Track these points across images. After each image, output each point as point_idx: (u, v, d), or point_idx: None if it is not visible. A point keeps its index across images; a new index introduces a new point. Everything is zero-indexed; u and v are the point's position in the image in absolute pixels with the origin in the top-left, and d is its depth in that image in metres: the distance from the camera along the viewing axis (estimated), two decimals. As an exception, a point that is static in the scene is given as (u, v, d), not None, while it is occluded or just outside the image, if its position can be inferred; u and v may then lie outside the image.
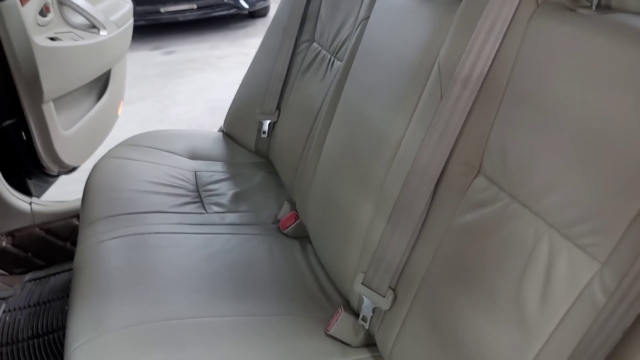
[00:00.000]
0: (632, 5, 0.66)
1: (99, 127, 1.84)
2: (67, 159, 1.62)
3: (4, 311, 1.33)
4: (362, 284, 0.90)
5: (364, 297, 0.90)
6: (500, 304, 0.67)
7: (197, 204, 1.30)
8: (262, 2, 5.33)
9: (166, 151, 1.49)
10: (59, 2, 1.58)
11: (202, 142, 1.58)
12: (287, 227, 1.23)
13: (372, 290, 0.89)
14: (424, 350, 0.78)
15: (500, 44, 0.73)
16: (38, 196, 1.64)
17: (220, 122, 1.71)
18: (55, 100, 1.53)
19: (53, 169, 1.61)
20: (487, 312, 0.68)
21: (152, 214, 1.21)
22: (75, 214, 1.58)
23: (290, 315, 0.98)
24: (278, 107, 1.49)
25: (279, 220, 1.27)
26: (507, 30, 0.72)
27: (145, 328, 0.88)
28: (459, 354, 0.71)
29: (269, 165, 1.53)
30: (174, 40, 4.85)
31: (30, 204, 1.56)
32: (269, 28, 1.56)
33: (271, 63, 1.49)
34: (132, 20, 1.93)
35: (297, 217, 1.23)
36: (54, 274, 1.48)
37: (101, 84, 1.82)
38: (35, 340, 1.26)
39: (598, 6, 0.67)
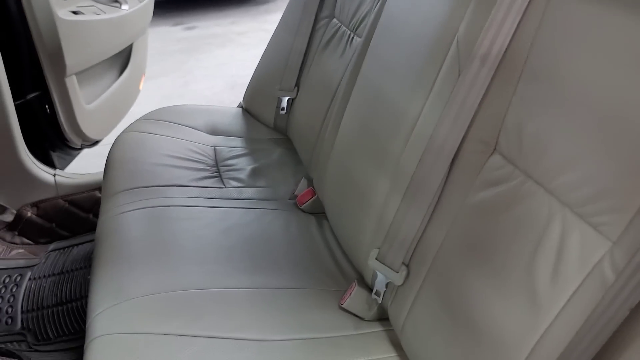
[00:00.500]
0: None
1: (120, 102, 1.86)
2: (89, 132, 1.65)
3: (30, 279, 1.37)
4: (376, 259, 0.91)
5: (378, 272, 0.92)
6: (511, 280, 0.68)
7: (216, 179, 1.32)
8: (283, -22, 5.29)
9: (186, 126, 1.50)
10: (82, -25, 1.60)
11: (222, 118, 1.60)
12: (304, 203, 1.24)
13: (385, 265, 0.90)
14: (435, 324, 0.79)
15: (520, 20, 0.72)
16: (62, 168, 1.68)
17: (240, 98, 1.72)
18: (78, 74, 1.55)
19: (76, 142, 1.64)
20: (498, 288, 0.69)
21: (171, 187, 1.23)
22: (98, 187, 1.62)
23: (304, 288, 1.00)
24: (297, 84, 1.49)
25: (296, 196, 1.28)
26: (527, 6, 0.71)
27: (164, 297, 0.91)
28: (469, 328, 0.72)
29: (288, 142, 1.54)
30: (196, 16, 4.84)
31: (54, 175, 1.60)
32: (288, 4, 1.55)
33: (291, 39, 1.49)
34: (153, -6, 1.94)
35: (314, 194, 1.25)
36: (77, 244, 1.52)
37: (123, 59, 1.84)
38: (60, 308, 1.31)
39: (621, -18, 0.66)
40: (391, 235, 0.89)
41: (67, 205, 1.60)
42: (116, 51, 1.72)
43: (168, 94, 3.24)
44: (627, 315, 0.53)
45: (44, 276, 1.39)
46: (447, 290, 0.78)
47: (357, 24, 1.27)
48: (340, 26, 1.36)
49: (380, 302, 0.93)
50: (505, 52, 0.74)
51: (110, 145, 1.42)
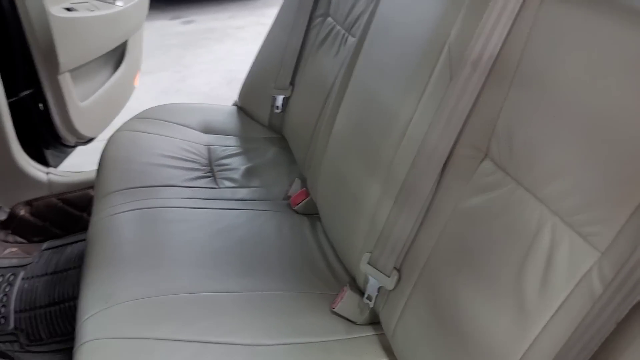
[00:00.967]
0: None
1: (115, 98, 1.85)
2: (83, 129, 1.64)
3: (23, 278, 1.37)
4: (368, 263, 0.91)
5: (370, 277, 0.91)
6: (500, 288, 0.67)
7: (210, 179, 1.31)
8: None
9: (180, 124, 1.49)
10: (75, -28, 1.58)
11: (216, 116, 1.59)
12: (298, 204, 1.24)
13: (377, 270, 0.89)
14: (425, 330, 0.79)
15: (512, 26, 0.71)
16: (55, 166, 1.67)
17: (237, 94, 1.70)
18: (71, 72, 1.54)
19: (70, 139, 1.63)
20: (487, 295, 0.69)
21: (164, 187, 1.23)
22: (91, 185, 1.61)
23: (296, 291, 1.00)
24: (292, 82, 1.48)
25: (289, 197, 1.28)
26: (518, 12, 0.70)
27: (154, 301, 0.90)
28: (458, 336, 0.72)
29: (282, 141, 1.53)
30: (193, 10, 4.81)
31: (48, 174, 1.59)
32: (284, 1, 1.54)
33: (285, 37, 1.48)
34: (148, -10, 1.92)
35: (307, 194, 1.24)
36: (70, 243, 1.51)
37: (118, 55, 1.83)
38: (52, 308, 1.30)
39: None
40: (383, 240, 0.88)
41: (60, 203, 1.59)
42: (111, 48, 1.71)
43: (165, 89, 3.22)
44: (614, 328, 0.52)
45: (37, 276, 1.39)
46: (437, 296, 0.77)
47: (352, 23, 1.26)
48: (334, 25, 1.35)
49: (372, 306, 0.93)
50: (496, 57, 0.73)
51: (106, 141, 1.41)
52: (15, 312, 1.28)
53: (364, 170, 0.98)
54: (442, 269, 0.78)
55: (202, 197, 1.23)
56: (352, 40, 1.24)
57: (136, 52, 1.94)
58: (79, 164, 1.78)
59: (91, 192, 1.61)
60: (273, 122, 1.55)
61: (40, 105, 1.52)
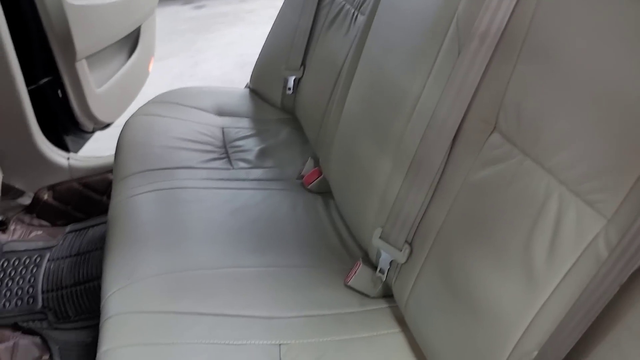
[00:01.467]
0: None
1: (130, 84, 1.88)
2: (100, 115, 1.67)
3: (49, 260, 1.42)
4: (379, 238, 0.93)
5: (382, 251, 0.93)
6: (509, 258, 0.69)
7: (224, 160, 1.34)
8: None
9: (194, 108, 1.52)
10: (87, -41, 1.60)
11: (229, 99, 1.61)
12: (311, 183, 1.26)
13: (389, 244, 0.91)
14: (437, 301, 0.81)
15: (518, -2, 0.71)
16: (75, 152, 1.71)
17: (249, 77, 1.72)
18: (88, 58, 1.57)
19: (88, 125, 1.67)
20: (497, 265, 0.70)
21: (180, 169, 1.26)
22: (111, 169, 1.65)
23: (310, 266, 1.02)
24: (303, 63, 1.49)
25: (302, 176, 1.30)
26: (524, -16, 0.71)
27: (174, 277, 0.94)
28: (469, 305, 0.74)
29: (295, 122, 1.55)
30: (204, -6, 4.81)
31: (68, 159, 1.63)
32: (293, -19, 1.54)
33: (296, 18, 1.48)
34: (159, -25, 1.94)
35: (320, 173, 1.26)
36: (92, 226, 1.56)
37: (131, 42, 1.85)
38: (78, 287, 1.35)
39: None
40: (394, 214, 0.90)
41: (81, 187, 1.64)
42: (124, 34, 1.73)
43: (179, 74, 3.25)
44: (617, 293, 0.54)
45: (62, 257, 1.44)
46: (448, 268, 0.79)
47: (361, 1, 1.27)
48: (344, 4, 1.36)
49: (384, 279, 0.95)
50: (504, 30, 0.73)
51: (123, 125, 1.45)
52: (43, 292, 1.33)
53: (375, 146, 1.00)
54: (453, 241, 0.80)
55: (218, 178, 1.25)
56: (361, 18, 1.24)
57: (149, 37, 1.96)
58: (97, 149, 1.82)
59: (110, 176, 1.64)
60: (285, 103, 1.57)
61: (59, 92, 1.56)
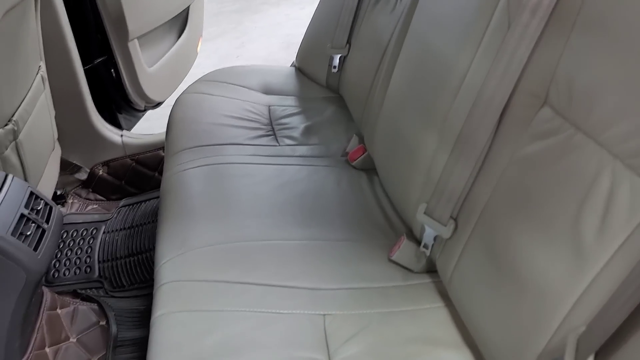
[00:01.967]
0: None
1: (180, 64, 1.93)
2: (151, 94, 1.73)
3: (104, 232, 1.49)
4: (424, 213, 0.93)
5: (426, 226, 0.94)
6: (557, 233, 0.68)
7: (270, 137, 1.37)
8: None
9: (242, 86, 1.55)
10: (139, -59, 1.64)
11: (276, 78, 1.63)
12: (355, 160, 1.27)
13: (434, 219, 0.91)
14: (482, 275, 0.81)
15: (573, -33, 0.69)
16: (128, 129, 1.78)
17: (294, 57, 1.74)
18: (139, 39, 1.62)
19: (140, 103, 1.73)
20: (544, 240, 0.70)
21: (228, 145, 1.29)
22: (162, 146, 1.71)
23: (355, 240, 1.04)
24: (348, 41, 1.49)
25: (347, 153, 1.31)
26: (580, -48, 0.68)
27: (222, 248, 0.97)
28: (514, 279, 0.74)
29: (340, 100, 1.56)
30: (250, -25, 4.83)
31: (122, 136, 1.70)
32: (339, -41, 1.53)
33: (342, -4, 1.48)
34: (207, -44, 1.96)
35: (364, 150, 1.27)
36: (144, 200, 1.63)
37: (180, 22, 1.90)
38: (131, 258, 1.42)
39: None
40: (439, 190, 0.90)
41: (134, 164, 1.71)
42: (174, 14, 1.78)
43: (225, 55, 3.30)
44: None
45: (116, 230, 1.51)
46: (493, 243, 0.79)
47: (409, -23, 1.25)
48: (391, -20, 1.34)
49: (428, 254, 0.96)
50: (557, 2, 0.72)
51: (171, 107, 1.49)
52: (99, 262, 1.40)
53: (420, 123, 0.99)
54: (499, 216, 0.79)
55: (264, 154, 1.28)
56: (408, -6, 1.23)
57: (197, 18, 2.00)
58: (149, 127, 1.88)
59: (161, 153, 1.71)
60: (330, 81, 1.57)
61: (112, 71, 1.62)
